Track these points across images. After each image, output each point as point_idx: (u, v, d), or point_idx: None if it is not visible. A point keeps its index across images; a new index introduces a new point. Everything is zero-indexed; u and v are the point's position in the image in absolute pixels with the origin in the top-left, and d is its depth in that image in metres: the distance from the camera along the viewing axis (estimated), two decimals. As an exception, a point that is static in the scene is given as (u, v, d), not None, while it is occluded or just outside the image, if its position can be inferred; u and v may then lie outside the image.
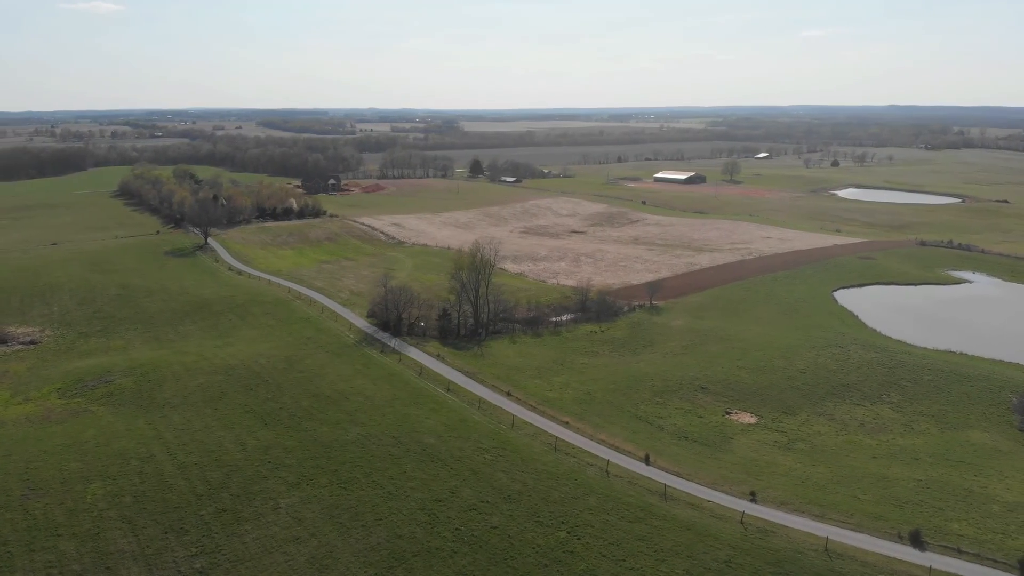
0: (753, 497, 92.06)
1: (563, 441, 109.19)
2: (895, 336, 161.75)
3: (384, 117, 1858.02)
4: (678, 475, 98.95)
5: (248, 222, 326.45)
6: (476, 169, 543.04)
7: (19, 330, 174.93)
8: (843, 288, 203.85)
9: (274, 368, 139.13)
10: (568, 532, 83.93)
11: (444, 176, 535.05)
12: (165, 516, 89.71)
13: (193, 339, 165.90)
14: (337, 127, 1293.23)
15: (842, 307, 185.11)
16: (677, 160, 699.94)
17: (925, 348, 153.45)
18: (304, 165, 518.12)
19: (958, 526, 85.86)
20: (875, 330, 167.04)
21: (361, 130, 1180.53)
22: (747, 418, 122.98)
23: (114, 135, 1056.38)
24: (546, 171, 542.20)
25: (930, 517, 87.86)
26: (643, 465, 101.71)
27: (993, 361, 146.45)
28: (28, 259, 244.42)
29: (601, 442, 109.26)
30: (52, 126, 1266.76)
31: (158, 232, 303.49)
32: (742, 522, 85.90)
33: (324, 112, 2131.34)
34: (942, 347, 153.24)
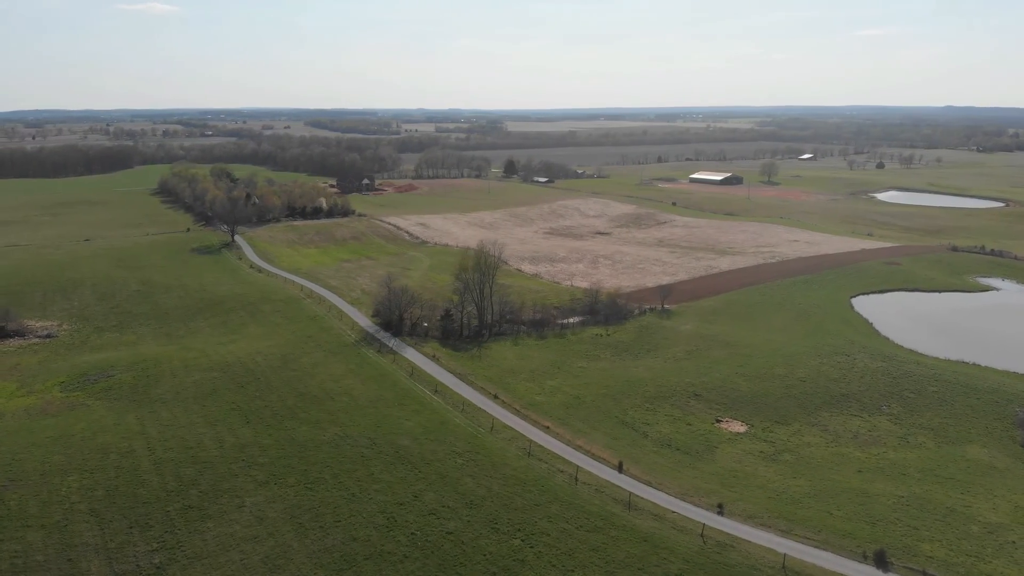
0: (720, 509, 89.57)
1: (539, 446, 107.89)
2: (907, 345, 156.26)
3: (431, 117, 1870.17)
4: (649, 484, 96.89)
5: (277, 220, 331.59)
6: (510, 169, 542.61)
7: (37, 324, 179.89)
8: (863, 294, 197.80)
9: (269, 366, 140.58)
10: (522, 540, 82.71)
11: (478, 176, 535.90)
12: (133, 511, 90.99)
13: (201, 335, 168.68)
14: (383, 127, 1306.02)
15: (858, 314, 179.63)
16: (719, 161, 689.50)
17: (937, 358, 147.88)
18: (341, 165, 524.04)
19: (929, 547, 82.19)
20: (888, 338, 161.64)
21: (406, 130, 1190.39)
22: (737, 426, 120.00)
23: (165, 134, 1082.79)
24: (580, 171, 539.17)
25: (902, 536, 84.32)
26: (615, 473, 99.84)
27: (1007, 373, 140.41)
28: (58, 254, 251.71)
29: (578, 448, 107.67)
30: (107, 124, 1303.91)
31: (188, 230, 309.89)
32: (702, 535, 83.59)
33: (373, 112, 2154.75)
34: (955, 357, 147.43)
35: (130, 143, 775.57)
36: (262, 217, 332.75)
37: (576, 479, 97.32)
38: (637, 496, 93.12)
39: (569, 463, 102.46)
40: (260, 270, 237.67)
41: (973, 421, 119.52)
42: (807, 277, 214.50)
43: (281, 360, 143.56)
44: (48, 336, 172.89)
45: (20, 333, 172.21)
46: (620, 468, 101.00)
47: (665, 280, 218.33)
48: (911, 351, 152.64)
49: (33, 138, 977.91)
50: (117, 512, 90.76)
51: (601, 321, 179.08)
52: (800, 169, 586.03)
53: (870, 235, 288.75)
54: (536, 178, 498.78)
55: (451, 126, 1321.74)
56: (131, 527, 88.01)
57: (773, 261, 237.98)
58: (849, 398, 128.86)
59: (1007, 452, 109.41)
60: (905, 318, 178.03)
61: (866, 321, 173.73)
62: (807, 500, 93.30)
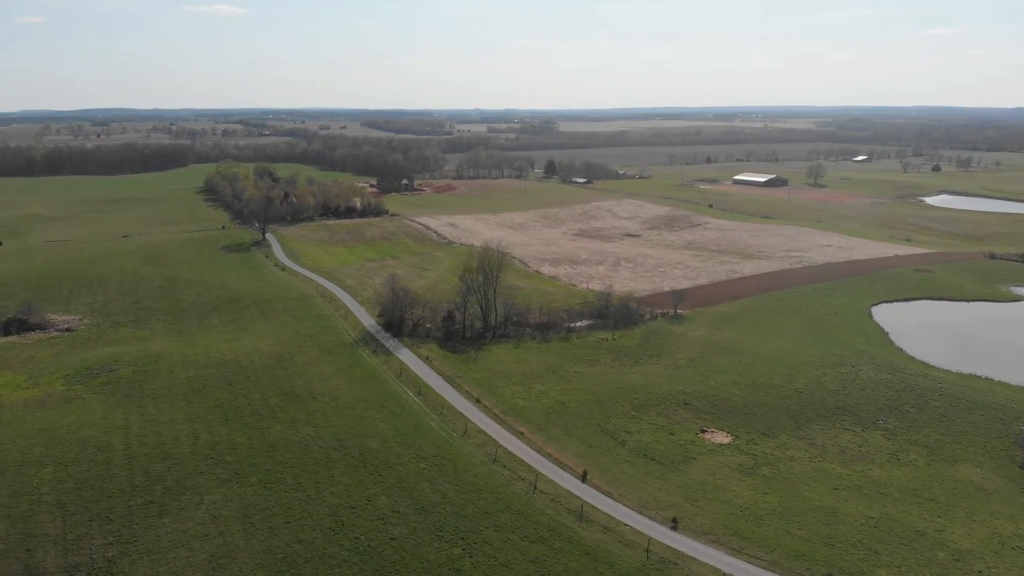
0: (675, 524, 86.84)
1: (508, 453, 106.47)
2: (920, 357, 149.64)
3: (486, 118, 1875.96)
4: (609, 495, 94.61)
5: (311, 219, 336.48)
6: (551, 170, 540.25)
7: (59, 318, 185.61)
8: (885, 303, 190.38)
9: (263, 364, 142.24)
10: (464, 549, 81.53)
11: (519, 177, 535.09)
12: (97, 504, 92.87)
13: (211, 332, 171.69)
14: (437, 128, 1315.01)
15: (875, 323, 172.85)
16: (770, 161, 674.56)
17: (948, 371, 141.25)
18: (384, 165, 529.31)
19: (885, 572, 78.10)
20: (901, 349, 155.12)
21: (458, 131, 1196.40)
22: (721, 437, 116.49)
23: (224, 133, 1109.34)
24: (621, 172, 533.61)
25: (858, 560, 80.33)
26: (578, 483, 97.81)
27: (1020, 388, 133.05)
28: (93, 250, 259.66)
29: (547, 456, 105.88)
30: (171, 123, 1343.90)
31: (223, 227, 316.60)
32: (648, 550, 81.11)
33: (430, 113, 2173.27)
34: (968, 370, 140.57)
35: (184, 142, 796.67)
36: (296, 216, 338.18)
37: (535, 487, 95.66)
38: (592, 507, 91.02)
39: (533, 471, 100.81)
40: (283, 268, 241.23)
41: (972, 439, 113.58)
42: (830, 283, 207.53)
43: (275, 359, 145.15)
44: (67, 330, 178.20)
45: (42, 326, 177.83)
46: (583, 477, 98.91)
47: (684, 284, 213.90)
48: (922, 363, 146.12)
49: (98, 136, 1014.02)
50: (81, 505, 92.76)
51: (610, 325, 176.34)
52: (851, 171, 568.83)
53: (908, 240, 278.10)
54: (575, 179, 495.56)
55: (503, 126, 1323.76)
56: (92, 520, 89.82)
57: (799, 267, 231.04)
58: (845, 411, 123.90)
59: (1001, 473, 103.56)
60: (924, 328, 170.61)
61: (882, 331, 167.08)
62: (770, 517, 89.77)
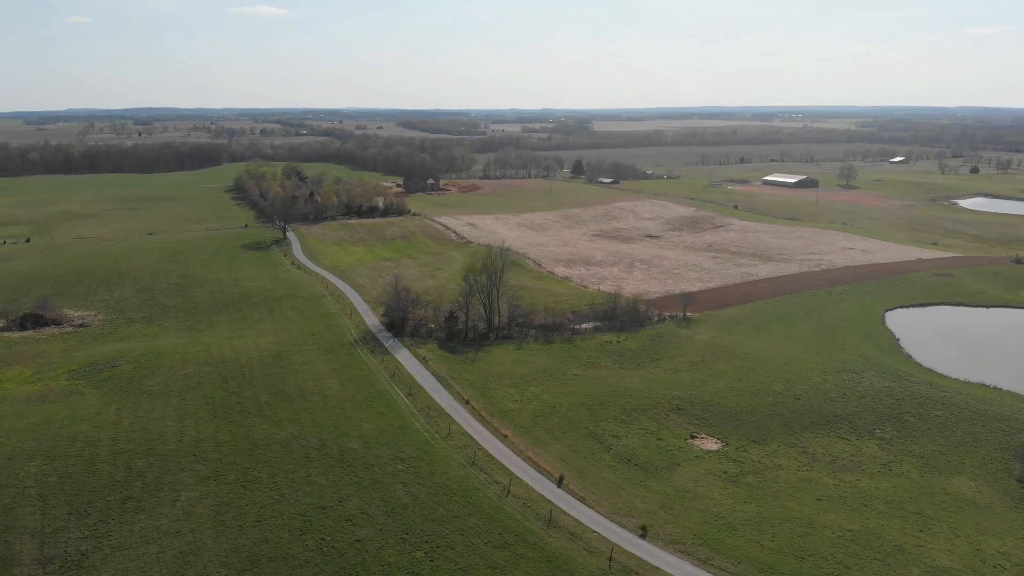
0: (644, 532, 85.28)
1: (488, 456, 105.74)
2: (927, 364, 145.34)
3: (523, 118, 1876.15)
4: (583, 501, 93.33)
5: (334, 218, 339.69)
6: (578, 170, 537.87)
7: (75, 313, 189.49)
8: (900, 307, 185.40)
9: (260, 362, 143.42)
10: (426, 553, 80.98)
11: (546, 177, 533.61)
12: (77, 498, 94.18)
13: (218, 330, 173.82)
14: (471, 128, 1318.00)
15: (887, 329, 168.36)
16: (805, 162, 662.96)
17: (955, 379, 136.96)
18: (412, 165, 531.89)
19: (853, 588, 75.72)
20: (909, 356, 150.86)
21: (492, 131, 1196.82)
22: (711, 444, 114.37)
23: (263, 132, 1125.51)
24: (649, 172, 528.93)
25: (827, 575, 77.92)
26: (553, 487, 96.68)
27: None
28: (117, 248, 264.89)
29: (528, 460, 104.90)
30: (211, 123, 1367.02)
31: (246, 226, 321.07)
32: (611, 559, 79.68)
33: (466, 113, 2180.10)
34: (976, 379, 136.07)
35: (219, 141, 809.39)
36: (320, 215, 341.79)
37: (508, 491, 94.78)
38: (563, 513, 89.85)
39: (509, 474, 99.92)
40: (299, 266, 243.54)
41: (970, 450, 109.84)
42: (847, 287, 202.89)
43: (274, 356, 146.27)
44: (81, 325, 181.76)
45: (57, 322, 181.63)
46: (560, 482, 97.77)
47: (697, 287, 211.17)
48: (929, 370, 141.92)
49: (139, 135, 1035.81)
50: (63, 499, 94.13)
51: (616, 327, 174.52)
52: (886, 173, 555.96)
53: (935, 244, 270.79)
54: (601, 179, 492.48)
55: (537, 126, 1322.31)
56: (70, 514, 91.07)
57: (816, 270, 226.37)
58: (841, 419, 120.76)
59: (996, 487, 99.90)
60: (937, 335, 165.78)
61: (892, 337, 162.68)
62: (744, 528, 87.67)
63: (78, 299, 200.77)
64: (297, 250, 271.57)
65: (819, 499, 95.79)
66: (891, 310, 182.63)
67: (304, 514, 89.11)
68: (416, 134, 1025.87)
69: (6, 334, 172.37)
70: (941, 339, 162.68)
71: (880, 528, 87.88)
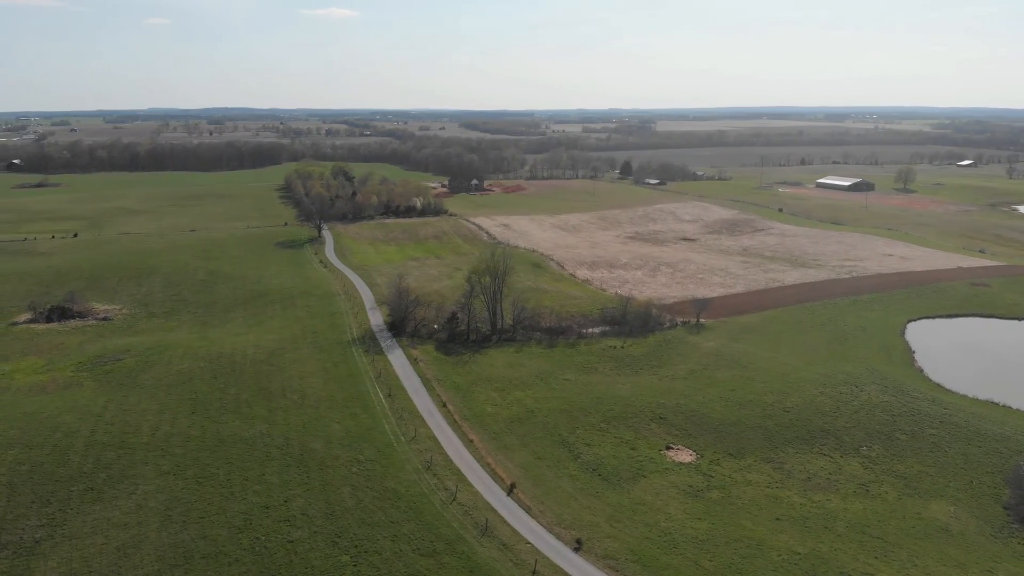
0: (579, 545, 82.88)
1: (447, 460, 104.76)
2: (936, 378, 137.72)
3: (587, 118, 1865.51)
4: (528, 510, 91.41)
5: (371, 218, 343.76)
6: (626, 171, 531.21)
7: (101, 307, 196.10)
8: (926, 318, 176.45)
9: (254, 358, 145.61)
10: (352, 558, 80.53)
11: (593, 177, 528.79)
12: (43, 487, 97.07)
13: (229, 326, 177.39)
14: (532, 128, 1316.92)
15: (904, 340, 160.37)
16: (869, 165, 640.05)
17: (963, 396, 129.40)
18: (461, 165, 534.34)
19: (778, 615, 71.80)
20: (920, 370, 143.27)
21: (553, 131, 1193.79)
22: (685, 455, 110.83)
23: (328, 132, 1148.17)
24: (699, 173, 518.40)
25: (756, 599, 74.30)
26: (503, 495, 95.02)
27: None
28: (156, 243, 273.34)
29: (486, 466, 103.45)
30: (281, 122, 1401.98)
31: (285, 224, 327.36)
32: (534, 572, 77.65)
33: (530, 114, 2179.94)
34: (986, 396, 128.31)
35: (287, 141, 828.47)
36: (358, 214, 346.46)
37: (455, 498, 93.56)
38: (503, 522, 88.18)
39: (462, 480, 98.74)
40: (326, 265, 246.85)
41: (959, 473, 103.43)
42: (874, 296, 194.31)
43: (268, 354, 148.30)
44: (105, 319, 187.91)
45: (82, 315, 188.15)
46: (510, 490, 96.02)
47: (719, 292, 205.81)
48: (937, 386, 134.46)
49: (210, 134, 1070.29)
50: (30, 487, 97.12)
51: (625, 332, 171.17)
52: (949, 176, 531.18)
53: (982, 252, 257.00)
54: (647, 180, 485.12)
55: (598, 126, 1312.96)
56: (33, 502, 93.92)
57: (846, 277, 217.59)
58: (828, 435, 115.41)
59: (978, 513, 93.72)
60: (957, 348, 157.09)
61: (908, 349, 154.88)
62: (686, 545, 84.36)
63: (107, 293, 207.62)
64: (329, 249, 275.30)
65: (778, 519, 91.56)
66: (914, 321, 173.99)
67: (247, 513, 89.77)
68: (474, 134, 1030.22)
69: (33, 325, 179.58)
70: (960, 353, 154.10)
71: (831, 553, 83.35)
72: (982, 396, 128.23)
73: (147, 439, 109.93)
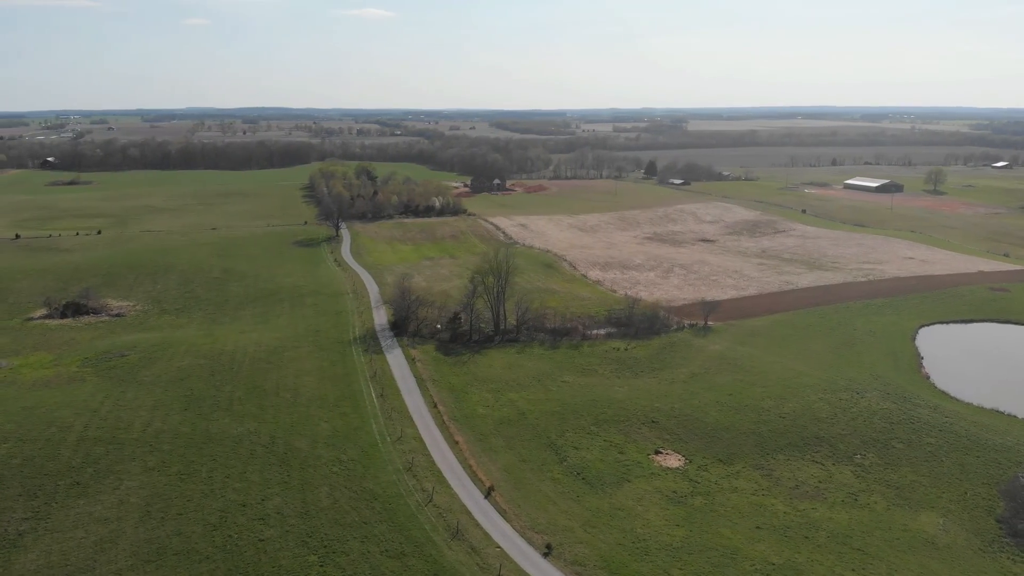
0: (548, 551, 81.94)
1: (428, 461, 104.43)
2: (942, 386, 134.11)
3: (620, 117, 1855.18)
4: (503, 514, 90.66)
5: (391, 217, 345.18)
6: (651, 170, 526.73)
7: (116, 303, 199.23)
8: (939, 323, 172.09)
9: (254, 356, 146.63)
10: (319, 558, 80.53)
11: (617, 177, 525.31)
12: (32, 481, 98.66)
13: (236, 323, 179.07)
14: (563, 128, 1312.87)
15: (913, 346, 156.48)
16: (902, 166, 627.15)
17: (967, 404, 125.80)
18: (485, 165, 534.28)
19: (742, 626, 70.16)
20: (927, 376, 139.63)
21: (583, 131, 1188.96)
22: (673, 460, 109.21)
23: (359, 132, 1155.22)
24: (725, 173, 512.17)
25: (721, 609, 72.69)
26: (480, 498, 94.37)
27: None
28: (177, 241, 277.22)
29: (467, 468, 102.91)
30: (314, 122, 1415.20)
31: (305, 223, 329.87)
32: (499, 576, 76.99)
33: (563, 113, 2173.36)
34: (991, 405, 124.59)
35: (316, 141, 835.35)
36: (378, 213, 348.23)
37: (431, 500, 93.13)
38: (476, 525, 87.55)
39: (442, 482, 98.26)
40: (340, 264, 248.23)
41: (954, 483, 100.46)
42: (888, 300, 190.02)
43: (269, 352, 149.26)
44: (118, 315, 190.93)
45: (96, 311, 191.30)
46: (488, 493, 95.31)
47: (731, 294, 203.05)
48: (942, 393, 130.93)
49: (244, 133, 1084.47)
50: (19, 480, 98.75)
51: (631, 334, 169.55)
52: (982, 178, 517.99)
53: (1006, 255, 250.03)
54: (672, 180, 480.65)
55: (628, 126, 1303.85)
56: (20, 495, 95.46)
57: (862, 280, 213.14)
58: (822, 442, 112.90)
59: (969, 525, 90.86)
60: (968, 354, 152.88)
61: (916, 355, 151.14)
62: (659, 553, 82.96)
63: (123, 290, 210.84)
64: (345, 247, 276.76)
65: (759, 527, 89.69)
66: (927, 326, 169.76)
67: (224, 510, 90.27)
68: (503, 134, 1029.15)
69: (47, 321, 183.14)
70: (971, 359, 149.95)
71: (808, 564, 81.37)
72: (988, 405, 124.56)
73: (137, 435, 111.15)
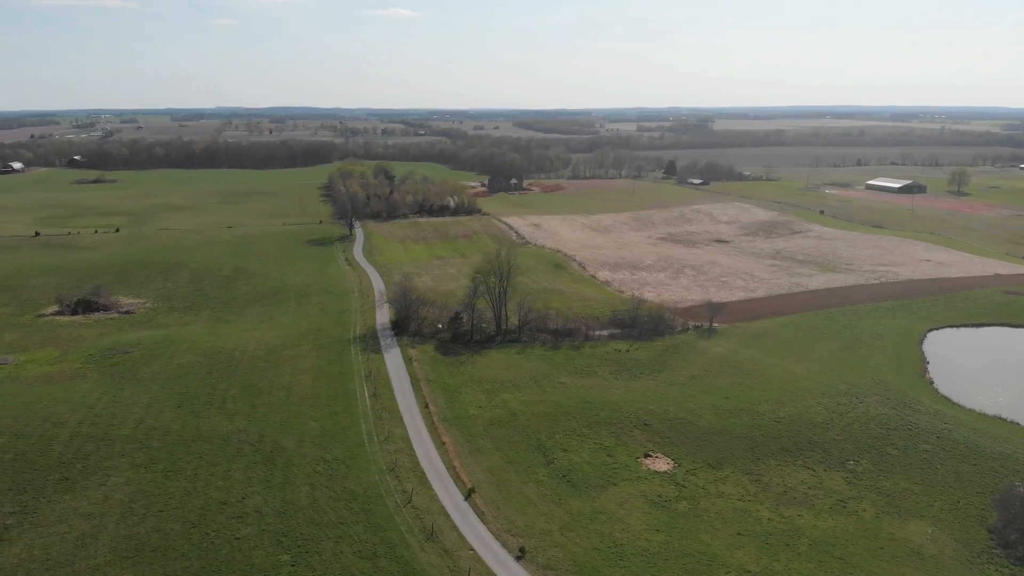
0: (521, 554, 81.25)
1: (413, 462, 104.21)
2: (945, 391, 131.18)
3: (645, 116, 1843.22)
4: (481, 516, 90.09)
5: (406, 216, 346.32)
6: (670, 170, 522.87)
7: (126, 300, 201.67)
8: (949, 327, 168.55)
9: (253, 355, 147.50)
10: (292, 557, 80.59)
11: (636, 177, 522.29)
12: (21, 475, 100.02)
13: (241, 321, 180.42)
14: (586, 127, 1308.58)
15: (920, 351, 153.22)
16: (928, 166, 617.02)
17: (969, 410, 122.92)
18: (503, 164, 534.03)
19: (709, 635, 68.90)
20: (930, 382, 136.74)
21: (607, 130, 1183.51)
22: (662, 464, 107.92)
23: (384, 132, 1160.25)
24: (746, 173, 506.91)
25: (690, 617, 71.47)
26: (460, 500, 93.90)
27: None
28: (191, 239, 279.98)
29: (451, 469, 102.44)
30: (340, 122, 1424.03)
31: (320, 222, 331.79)
32: (468, 579, 76.44)
33: (588, 112, 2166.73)
34: (994, 412, 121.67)
35: (340, 140, 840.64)
36: (393, 213, 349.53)
37: (410, 501, 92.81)
38: (452, 527, 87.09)
39: (424, 484, 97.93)
40: (351, 262, 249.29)
41: (947, 491, 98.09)
42: (899, 302, 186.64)
43: (268, 350, 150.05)
44: (127, 312, 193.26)
45: (106, 308, 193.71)
46: (468, 495, 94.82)
47: (739, 296, 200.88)
48: (944, 399, 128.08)
49: (270, 132, 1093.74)
50: (9, 475, 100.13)
51: (634, 336, 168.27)
52: (1008, 179, 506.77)
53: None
54: (691, 180, 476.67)
55: (653, 125, 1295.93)
56: (9, 489, 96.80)
57: (874, 282, 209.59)
58: (816, 447, 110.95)
59: (958, 535, 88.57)
60: (976, 358, 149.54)
61: (922, 359, 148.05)
62: (635, 559, 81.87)
63: (134, 287, 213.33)
64: (358, 246, 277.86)
65: (740, 534, 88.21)
66: (936, 330, 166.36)
67: (204, 508, 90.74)
68: (526, 134, 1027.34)
69: (58, 317, 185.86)
70: (978, 364, 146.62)
71: (785, 573, 79.83)
72: (991, 411, 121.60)
73: (129, 431, 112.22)
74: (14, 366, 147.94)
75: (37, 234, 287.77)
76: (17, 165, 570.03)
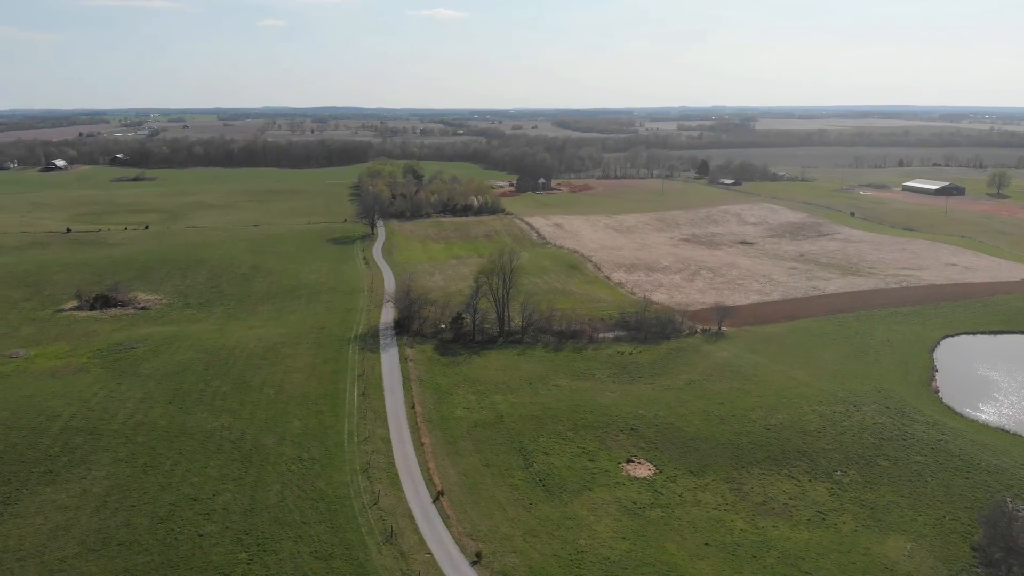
0: (477, 559, 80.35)
1: (387, 463, 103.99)
2: (949, 401, 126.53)
3: (687, 115, 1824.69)
4: (446, 519, 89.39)
5: (429, 216, 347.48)
6: (703, 170, 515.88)
7: (144, 297, 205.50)
8: (966, 334, 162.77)
9: (252, 352, 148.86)
10: (248, 556, 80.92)
11: (668, 177, 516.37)
12: (8, 467, 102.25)
13: (250, 319, 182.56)
14: (626, 126, 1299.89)
15: (929, 358, 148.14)
16: (972, 167, 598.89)
17: (972, 421, 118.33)
18: (534, 164, 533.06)
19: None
20: (935, 391, 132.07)
21: (647, 129, 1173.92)
22: (643, 470, 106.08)
23: (423, 131, 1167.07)
24: (780, 174, 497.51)
25: (635, 629, 69.78)
26: (428, 503, 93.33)
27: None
28: (217, 236, 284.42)
29: (425, 471, 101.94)
30: (381, 121, 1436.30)
31: (345, 221, 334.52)
32: (419, 584, 75.81)
33: (629, 111, 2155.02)
34: (998, 423, 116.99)
35: (377, 140, 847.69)
36: (416, 212, 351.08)
37: (377, 502, 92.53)
38: (413, 530, 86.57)
39: (394, 484, 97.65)
40: (368, 261, 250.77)
41: (934, 505, 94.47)
42: (916, 308, 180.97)
43: (268, 348, 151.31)
44: (143, 308, 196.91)
45: (123, 304, 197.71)
46: (437, 498, 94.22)
47: (754, 299, 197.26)
48: (947, 409, 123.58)
49: (311, 132, 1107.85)
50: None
51: (639, 338, 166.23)
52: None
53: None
54: (723, 180, 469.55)
55: (693, 124, 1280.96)
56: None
57: (894, 287, 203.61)
58: (803, 456, 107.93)
59: (939, 552, 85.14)
60: (988, 367, 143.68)
61: (931, 367, 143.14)
62: (593, 567, 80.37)
63: (153, 283, 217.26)
64: (378, 245, 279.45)
65: (707, 544, 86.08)
66: (950, 337, 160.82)
67: (175, 504, 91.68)
68: (562, 133, 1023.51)
69: (76, 313, 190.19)
70: (989, 373, 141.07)
71: (746, 585, 77.65)
72: (995, 422, 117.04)
73: (118, 426, 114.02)
74: (24, 360, 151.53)
75: (68, 231, 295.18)
76: (60, 163, 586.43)
